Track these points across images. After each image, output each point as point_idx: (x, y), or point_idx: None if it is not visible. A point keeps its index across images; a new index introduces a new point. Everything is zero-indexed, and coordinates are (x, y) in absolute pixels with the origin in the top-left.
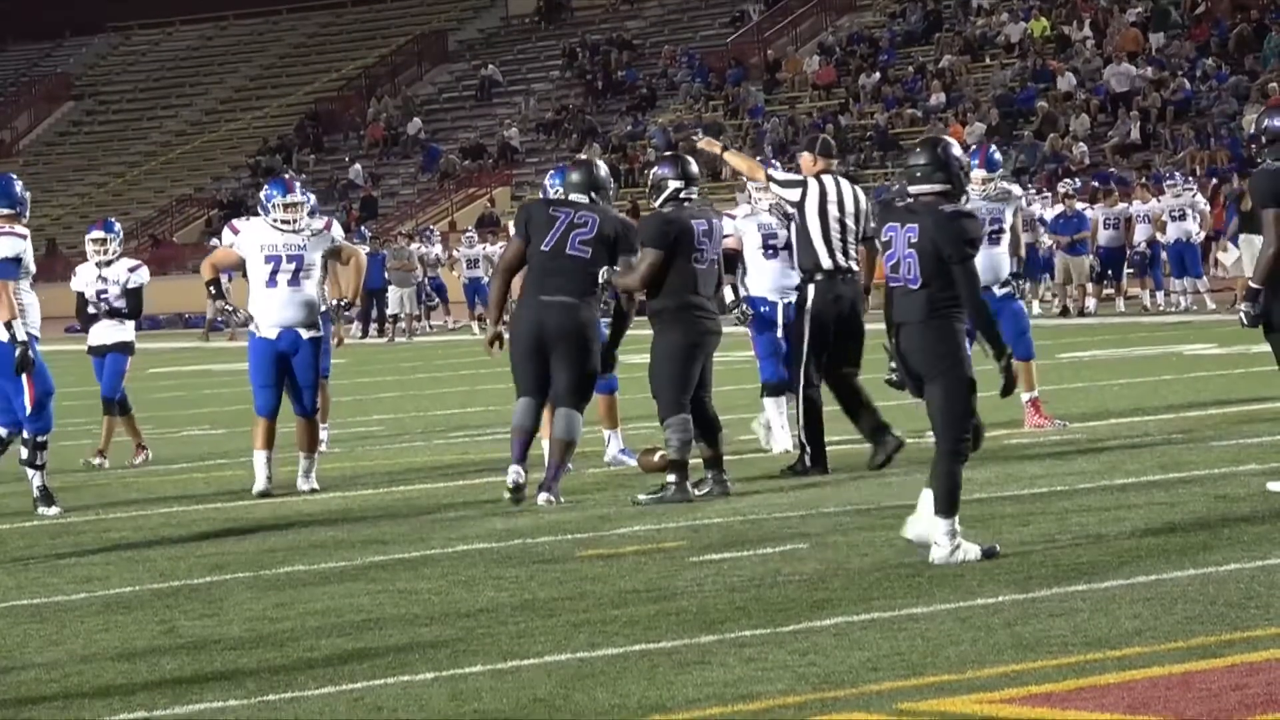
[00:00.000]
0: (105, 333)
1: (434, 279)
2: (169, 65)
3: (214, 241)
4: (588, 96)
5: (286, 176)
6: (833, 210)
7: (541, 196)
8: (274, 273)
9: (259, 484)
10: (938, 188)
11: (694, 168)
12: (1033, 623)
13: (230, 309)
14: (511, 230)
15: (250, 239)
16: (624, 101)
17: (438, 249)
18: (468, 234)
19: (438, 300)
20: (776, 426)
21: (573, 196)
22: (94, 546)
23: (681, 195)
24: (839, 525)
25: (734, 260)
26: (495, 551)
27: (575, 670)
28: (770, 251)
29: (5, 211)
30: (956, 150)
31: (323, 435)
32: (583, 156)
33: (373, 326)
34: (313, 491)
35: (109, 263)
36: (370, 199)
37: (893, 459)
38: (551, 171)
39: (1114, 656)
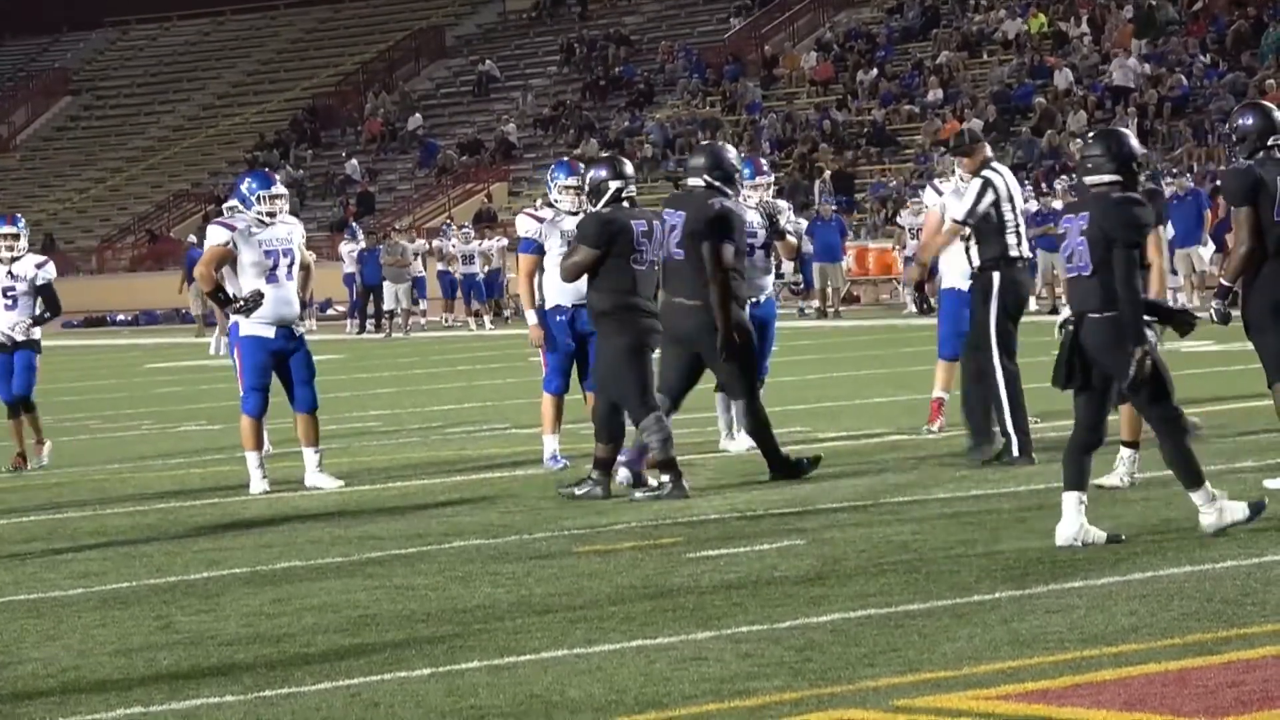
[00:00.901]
0: (12, 329)
1: (445, 273)
2: (166, 60)
3: (191, 238)
4: (585, 92)
5: (265, 170)
6: (1018, 200)
7: (545, 194)
8: (273, 268)
9: (257, 485)
10: (1109, 178)
11: (629, 167)
12: (1029, 619)
13: (242, 302)
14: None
15: (248, 235)
16: (622, 97)
17: (452, 243)
18: (464, 228)
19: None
20: (723, 423)
21: (691, 181)
22: (91, 542)
23: (623, 195)
24: (836, 521)
25: None
26: (492, 547)
27: (572, 666)
28: (749, 250)
29: None
30: (1132, 142)
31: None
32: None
33: (369, 322)
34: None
35: (17, 259)
36: (367, 194)
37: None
38: (553, 166)
39: (1110, 653)
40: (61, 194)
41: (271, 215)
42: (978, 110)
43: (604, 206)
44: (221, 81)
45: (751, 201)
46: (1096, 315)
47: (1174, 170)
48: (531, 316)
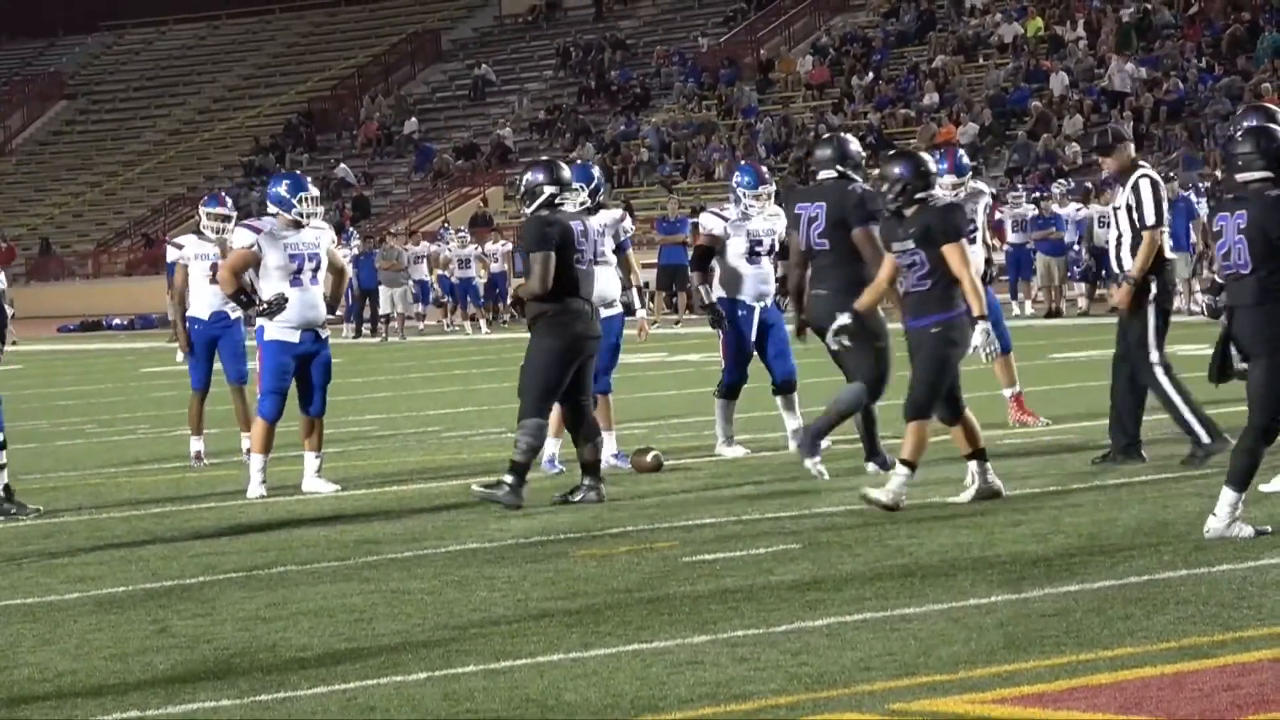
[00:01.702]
0: None
1: (443, 278)
2: (162, 64)
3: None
4: (581, 96)
5: (298, 172)
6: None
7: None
8: (298, 271)
9: (255, 490)
10: (1260, 175)
11: (567, 173)
12: (1025, 623)
13: (265, 305)
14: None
15: (274, 238)
16: (617, 101)
17: (449, 247)
18: (460, 233)
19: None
20: (721, 430)
21: (822, 174)
22: (87, 546)
23: (556, 201)
24: (831, 525)
25: (704, 259)
26: (488, 551)
27: (568, 670)
28: (755, 258)
29: None
30: None
31: (246, 444)
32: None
33: (365, 326)
34: (332, 491)
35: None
36: (363, 198)
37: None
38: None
39: (1106, 656)
40: (57, 198)
41: (311, 217)
42: (973, 114)
43: (535, 211)
44: (217, 86)
45: (755, 209)
46: (1250, 307)
47: (1170, 174)
48: None
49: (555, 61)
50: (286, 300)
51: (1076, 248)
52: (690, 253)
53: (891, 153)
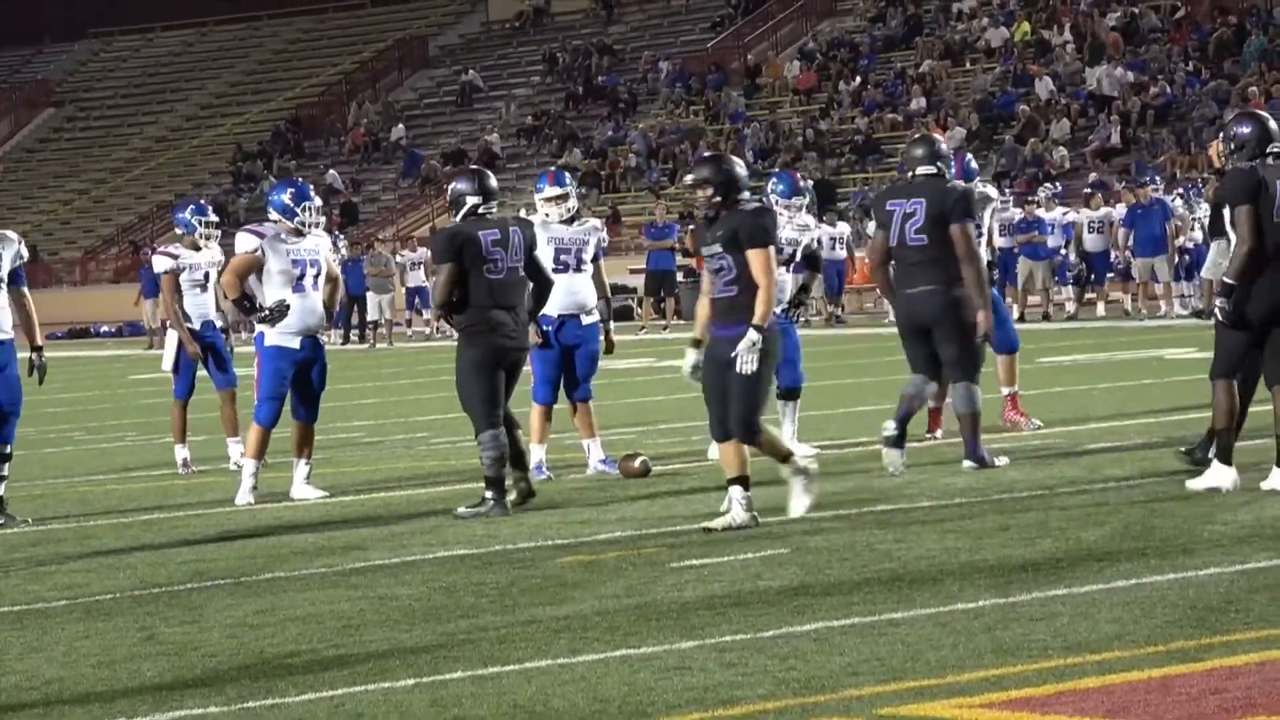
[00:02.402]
0: None
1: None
2: (150, 71)
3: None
4: (568, 102)
5: (298, 179)
6: None
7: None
8: (300, 277)
9: (244, 498)
10: None
11: (492, 182)
12: (1012, 627)
13: (267, 311)
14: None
15: (277, 244)
16: (605, 107)
17: None
18: None
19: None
20: (788, 431)
21: (920, 170)
22: (74, 553)
23: (480, 210)
24: (819, 530)
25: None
26: (476, 557)
27: (556, 676)
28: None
29: None
30: None
31: (235, 451)
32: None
33: (353, 333)
34: (320, 497)
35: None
36: (351, 205)
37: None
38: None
39: (1093, 661)
40: (45, 205)
41: (314, 226)
42: (960, 118)
43: (461, 220)
44: (205, 92)
45: (783, 220)
46: None
47: (1159, 177)
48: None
49: (543, 67)
50: (288, 306)
51: (1063, 252)
52: (677, 257)
53: (705, 156)
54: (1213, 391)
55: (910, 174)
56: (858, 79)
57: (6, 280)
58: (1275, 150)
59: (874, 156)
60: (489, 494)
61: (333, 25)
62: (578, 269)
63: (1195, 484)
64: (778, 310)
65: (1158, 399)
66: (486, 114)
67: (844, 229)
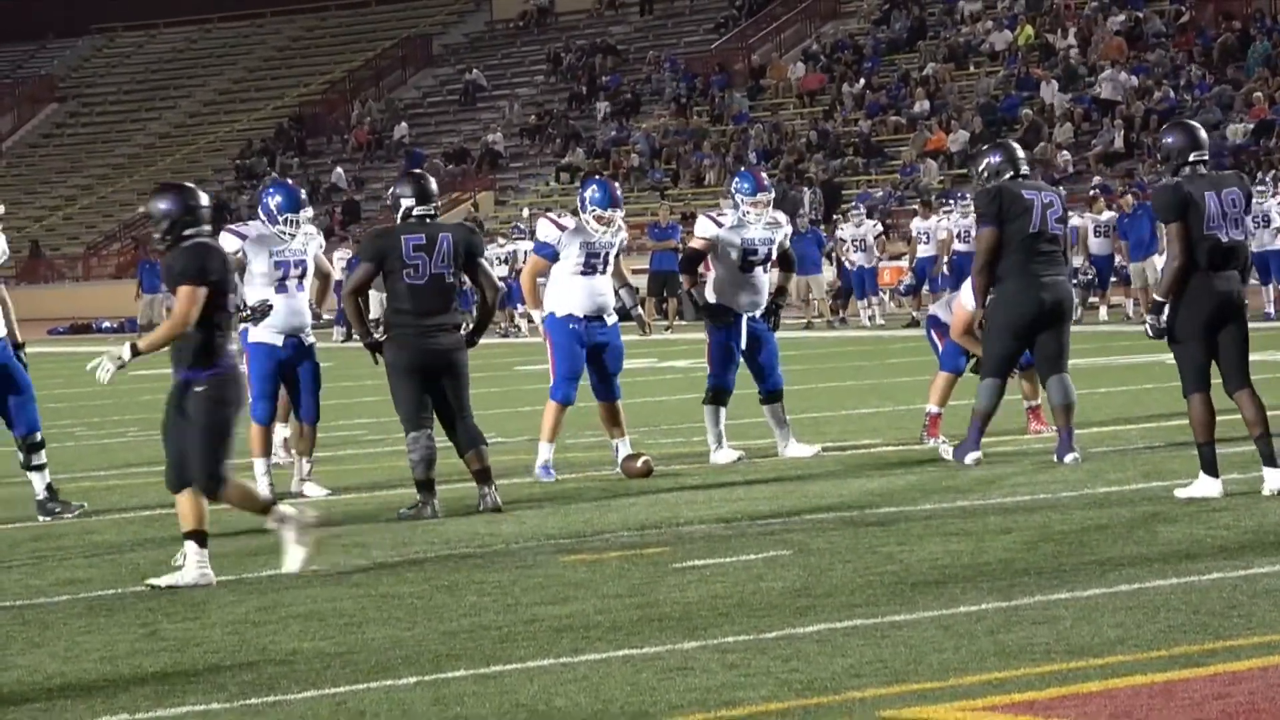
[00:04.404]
0: None
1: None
2: (153, 68)
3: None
4: (572, 101)
5: (292, 186)
6: None
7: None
8: (283, 278)
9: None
10: None
11: (433, 186)
12: (1015, 630)
13: (250, 311)
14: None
15: (260, 244)
16: (608, 107)
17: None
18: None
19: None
20: (712, 436)
21: (1025, 169)
22: (76, 549)
23: (416, 213)
24: (822, 532)
25: (693, 262)
26: (478, 556)
27: (558, 675)
28: (748, 267)
29: None
30: None
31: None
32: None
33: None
34: (322, 495)
35: None
36: (353, 203)
37: None
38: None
39: (1097, 665)
40: (48, 201)
41: (292, 236)
42: (964, 121)
43: (400, 222)
44: (208, 89)
45: (751, 216)
46: None
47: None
48: (535, 315)
49: (546, 67)
50: (271, 306)
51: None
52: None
53: (159, 186)
54: (1188, 407)
55: (1020, 172)
56: (862, 81)
57: None
58: (1201, 159)
59: (878, 159)
60: (419, 496)
61: (336, 23)
62: (603, 271)
63: (1183, 494)
64: (755, 314)
65: (1160, 403)
66: (490, 113)
67: (869, 228)
